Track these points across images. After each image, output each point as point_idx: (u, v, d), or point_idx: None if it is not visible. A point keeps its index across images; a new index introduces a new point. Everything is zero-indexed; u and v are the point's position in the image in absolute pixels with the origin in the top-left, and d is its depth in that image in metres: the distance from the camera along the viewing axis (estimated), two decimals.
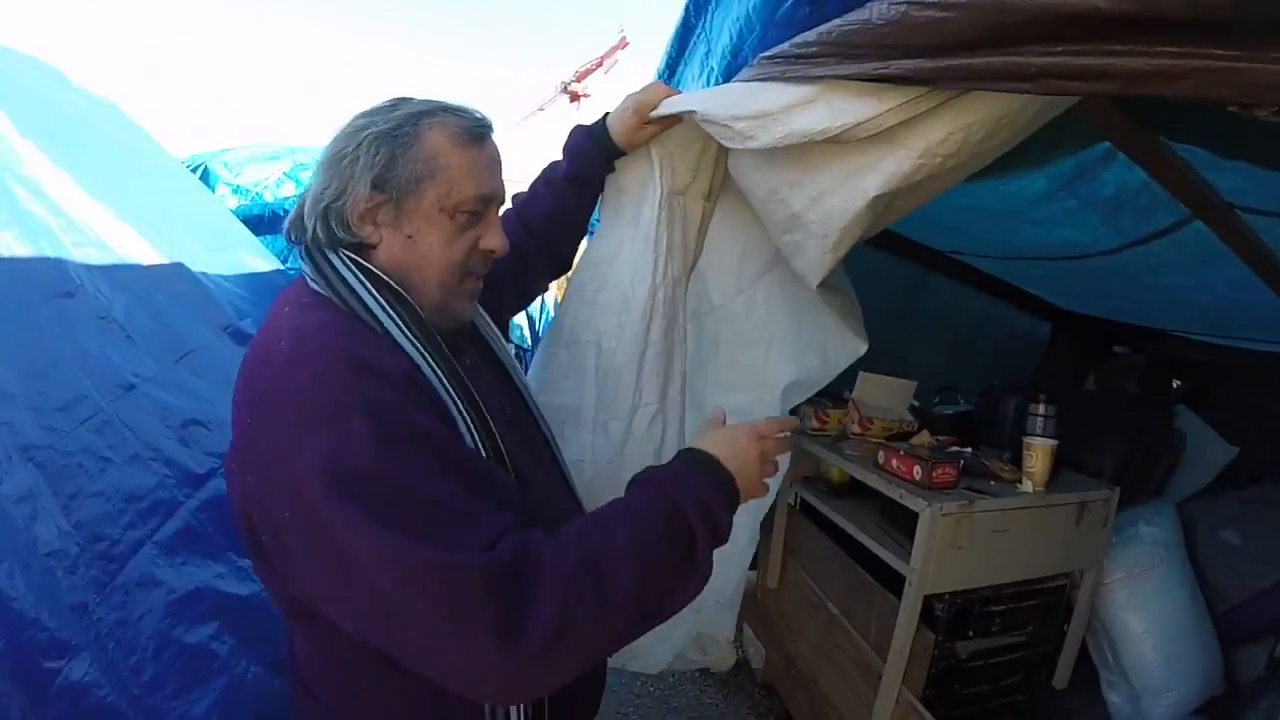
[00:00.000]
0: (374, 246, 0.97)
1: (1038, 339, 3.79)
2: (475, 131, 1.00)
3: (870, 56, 1.04)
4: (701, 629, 2.00)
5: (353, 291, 0.92)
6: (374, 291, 0.92)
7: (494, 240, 1.04)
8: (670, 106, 1.37)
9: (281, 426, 0.78)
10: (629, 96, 1.40)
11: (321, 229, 0.96)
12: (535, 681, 0.76)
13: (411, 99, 0.99)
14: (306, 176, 3.59)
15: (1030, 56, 0.88)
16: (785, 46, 1.20)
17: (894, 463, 2.12)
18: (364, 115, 0.97)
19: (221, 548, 1.45)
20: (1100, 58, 0.82)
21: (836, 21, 1.10)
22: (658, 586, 0.85)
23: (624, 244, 1.54)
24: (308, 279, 0.97)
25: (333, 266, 0.94)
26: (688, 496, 0.90)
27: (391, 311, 0.92)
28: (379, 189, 0.94)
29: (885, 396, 2.53)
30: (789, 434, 1.11)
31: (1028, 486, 2.05)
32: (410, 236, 0.96)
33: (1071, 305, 3.59)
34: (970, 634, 2.05)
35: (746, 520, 2.00)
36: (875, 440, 2.41)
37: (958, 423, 2.58)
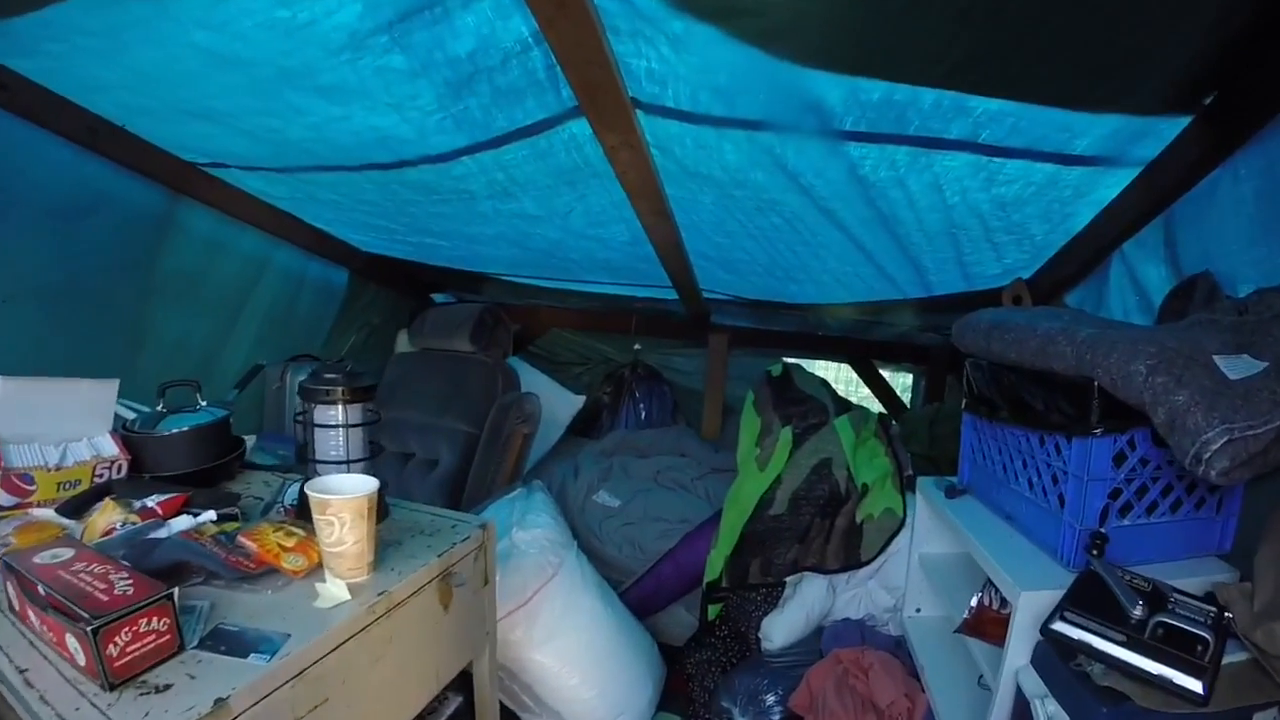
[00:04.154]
0: None
1: (334, 292, 3.31)
2: None
3: None
4: None
5: None
6: None
7: None
8: None
9: None
10: None
11: None
12: None
13: None
14: None
15: None
16: None
17: (32, 616, 1.03)
18: None
19: None
20: None
21: None
22: None
23: None
24: None
25: None
26: None
27: None
28: None
29: (51, 415, 1.56)
30: None
31: (338, 590, 1.17)
32: None
33: (375, 245, 3.15)
34: None
35: None
36: (38, 521, 1.40)
37: (194, 448, 1.65)
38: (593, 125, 1.63)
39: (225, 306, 2.77)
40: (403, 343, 3.60)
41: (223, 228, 2.59)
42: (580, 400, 3.51)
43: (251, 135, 1.96)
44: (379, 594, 1.18)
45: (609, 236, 2.40)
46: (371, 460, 1.49)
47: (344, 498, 1.17)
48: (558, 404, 3.46)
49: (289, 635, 1.04)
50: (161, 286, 2.47)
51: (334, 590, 1.16)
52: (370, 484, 1.24)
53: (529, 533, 2.18)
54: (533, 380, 3.42)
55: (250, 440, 2.68)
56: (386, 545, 1.35)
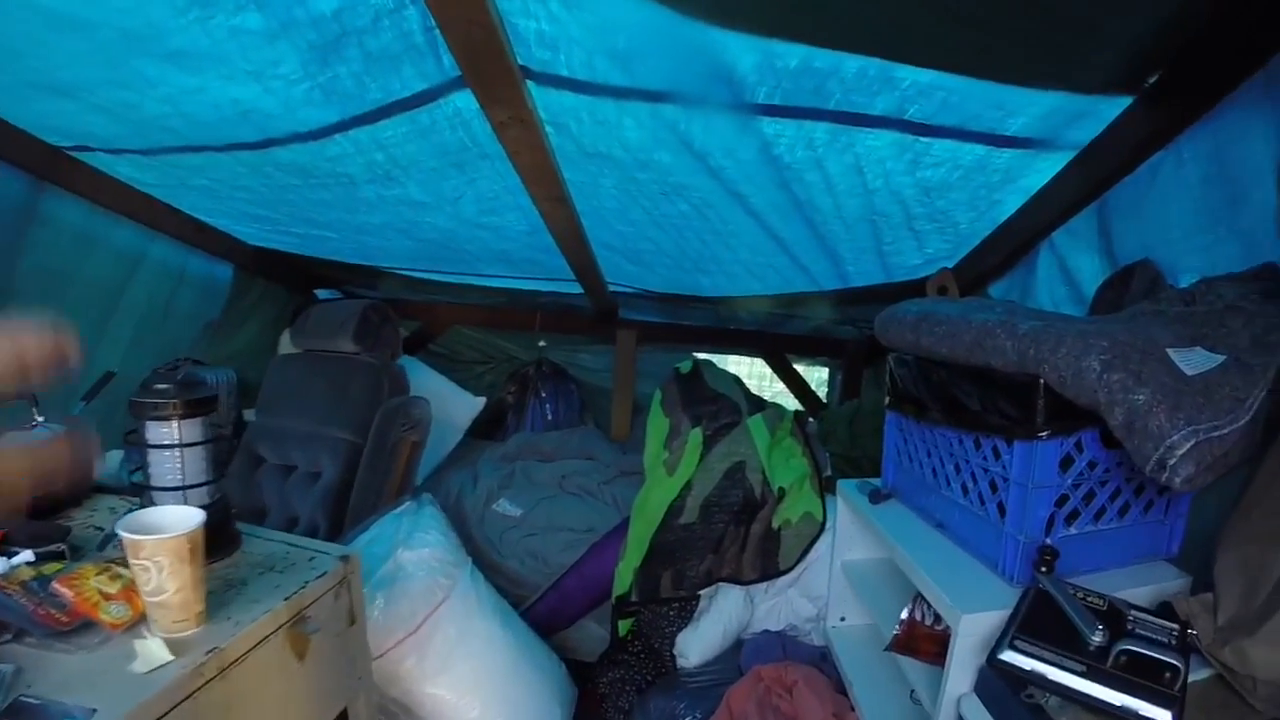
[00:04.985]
0: None
1: (218, 289, 3.03)
2: None
3: None
4: None
5: None
6: None
7: None
8: None
9: None
10: None
11: None
12: None
13: None
14: None
15: None
16: None
17: None
18: None
19: None
20: None
21: None
22: None
23: None
24: None
25: None
26: None
27: None
28: None
29: None
30: None
31: (158, 649, 0.96)
32: None
33: (258, 237, 2.88)
34: None
35: None
36: None
37: None
38: (478, 97, 1.44)
39: (96, 307, 2.51)
40: (286, 344, 3.31)
41: (93, 219, 2.34)
42: (480, 402, 3.30)
43: (108, 112, 1.73)
44: (208, 652, 0.97)
45: (504, 225, 2.21)
46: (218, 483, 1.27)
47: (158, 538, 0.95)
48: (455, 406, 3.26)
49: (94, 710, 0.83)
50: (23, 287, 2.22)
51: (154, 649, 0.95)
52: (191, 519, 1.01)
53: (416, 553, 1.97)
54: (428, 382, 3.20)
55: (116, 456, 2.41)
56: (229, 586, 1.14)
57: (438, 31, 1.24)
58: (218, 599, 1.08)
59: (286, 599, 1.13)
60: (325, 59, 1.39)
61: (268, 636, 1.08)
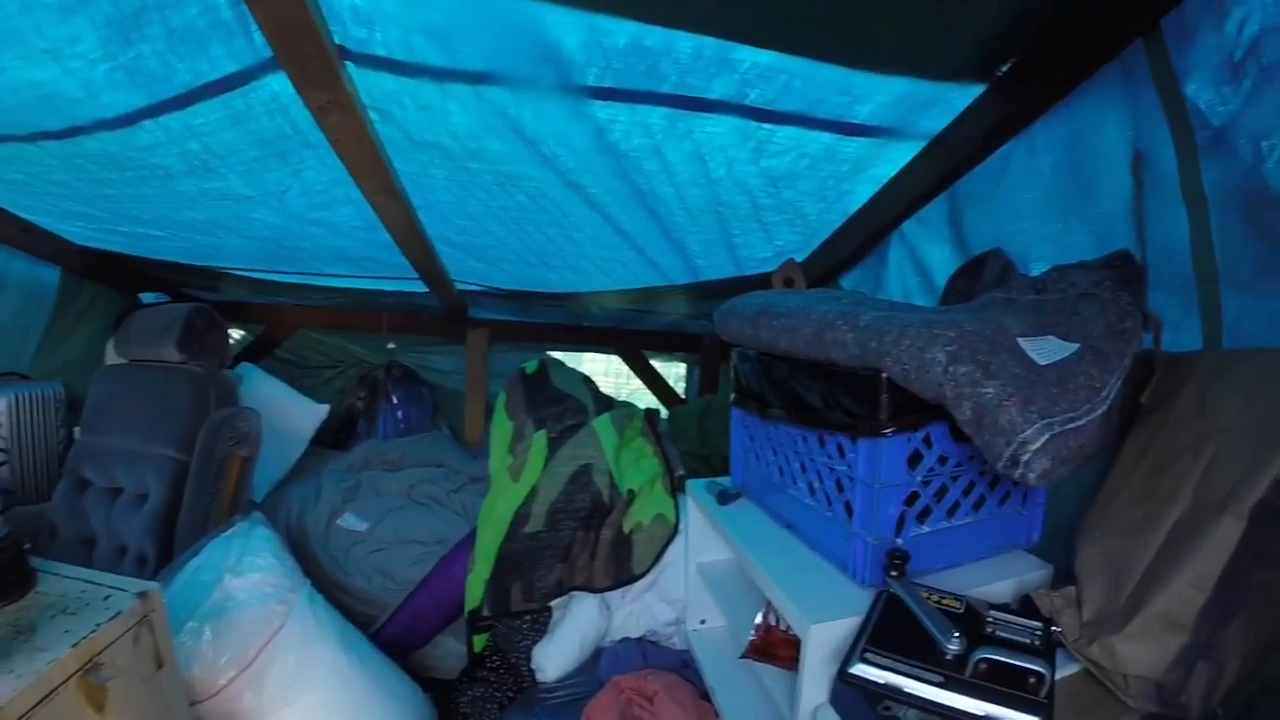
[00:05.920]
0: None
1: (44, 295, 2.71)
2: None
3: None
4: None
5: None
6: None
7: None
8: None
9: None
10: None
11: None
12: None
13: None
14: None
15: None
16: None
17: None
18: None
19: None
20: None
21: None
22: None
23: None
24: None
25: None
26: None
27: None
28: None
29: None
30: None
31: None
32: None
33: (84, 237, 2.59)
34: None
35: None
36: None
37: None
38: (294, 80, 1.31)
39: None
40: (112, 354, 2.94)
41: None
42: (323, 409, 3.01)
43: None
44: None
45: (337, 221, 2.01)
46: (4, 516, 1.13)
47: None
48: (297, 415, 2.96)
49: None
50: None
51: None
52: None
53: (246, 578, 1.76)
54: (267, 390, 2.91)
55: None
56: (17, 633, 1.04)
57: (245, 6, 1.11)
58: (2, 649, 0.99)
59: (74, 645, 1.00)
60: (126, 36, 1.27)
61: (55, 689, 0.97)
